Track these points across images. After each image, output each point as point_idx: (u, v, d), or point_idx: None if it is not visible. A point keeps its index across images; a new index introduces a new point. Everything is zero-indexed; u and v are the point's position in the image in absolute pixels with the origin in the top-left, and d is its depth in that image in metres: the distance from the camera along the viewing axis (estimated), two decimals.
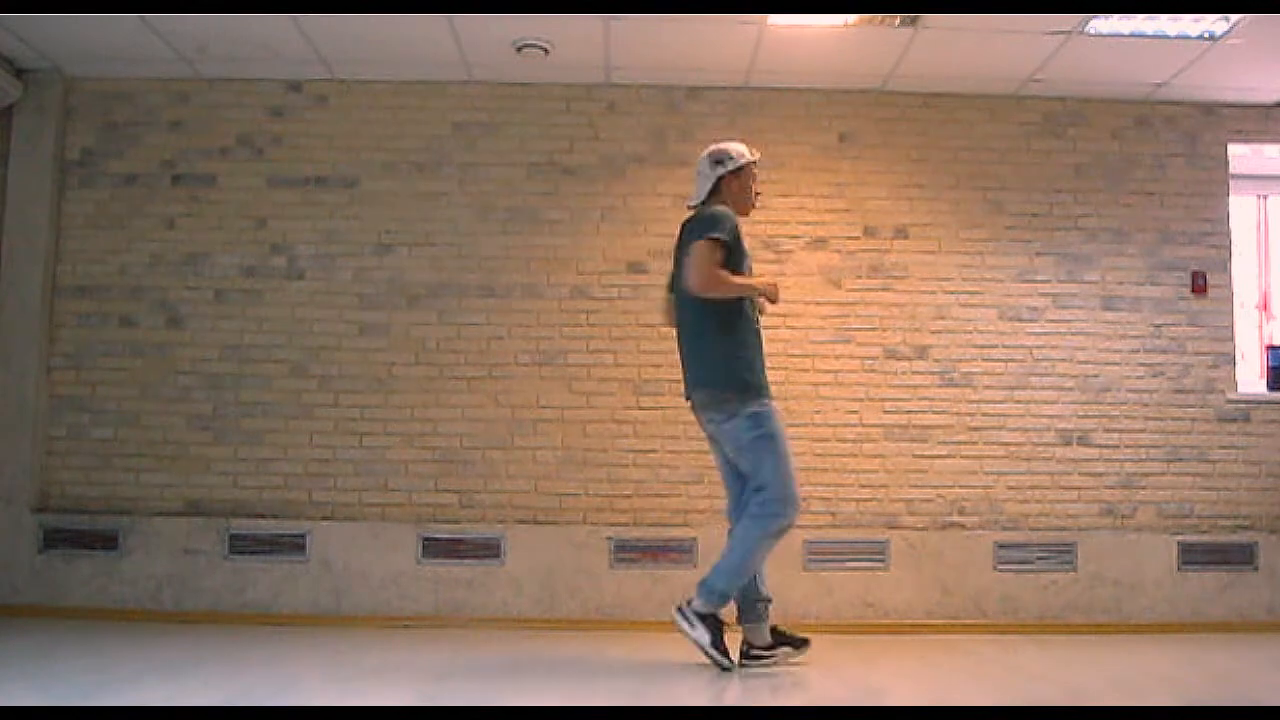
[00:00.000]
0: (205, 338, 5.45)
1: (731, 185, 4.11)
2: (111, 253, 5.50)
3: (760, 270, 5.48)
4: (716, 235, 3.91)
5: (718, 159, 4.13)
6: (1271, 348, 5.84)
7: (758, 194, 4.22)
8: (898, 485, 5.42)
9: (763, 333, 4.08)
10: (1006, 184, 5.63)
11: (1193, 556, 5.38)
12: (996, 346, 5.54)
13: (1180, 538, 5.40)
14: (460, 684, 3.69)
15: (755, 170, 4.18)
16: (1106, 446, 5.48)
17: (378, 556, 5.25)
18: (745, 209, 4.16)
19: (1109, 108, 5.68)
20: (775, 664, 4.03)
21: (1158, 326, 5.58)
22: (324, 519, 5.31)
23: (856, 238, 5.58)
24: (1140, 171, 5.67)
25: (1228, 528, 5.44)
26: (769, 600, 4.06)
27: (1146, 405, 5.52)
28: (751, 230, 5.48)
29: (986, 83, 5.52)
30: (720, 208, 4.04)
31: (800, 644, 4.10)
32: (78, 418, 5.39)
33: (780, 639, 4.09)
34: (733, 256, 3.96)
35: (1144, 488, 5.46)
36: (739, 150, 4.15)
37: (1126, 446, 5.49)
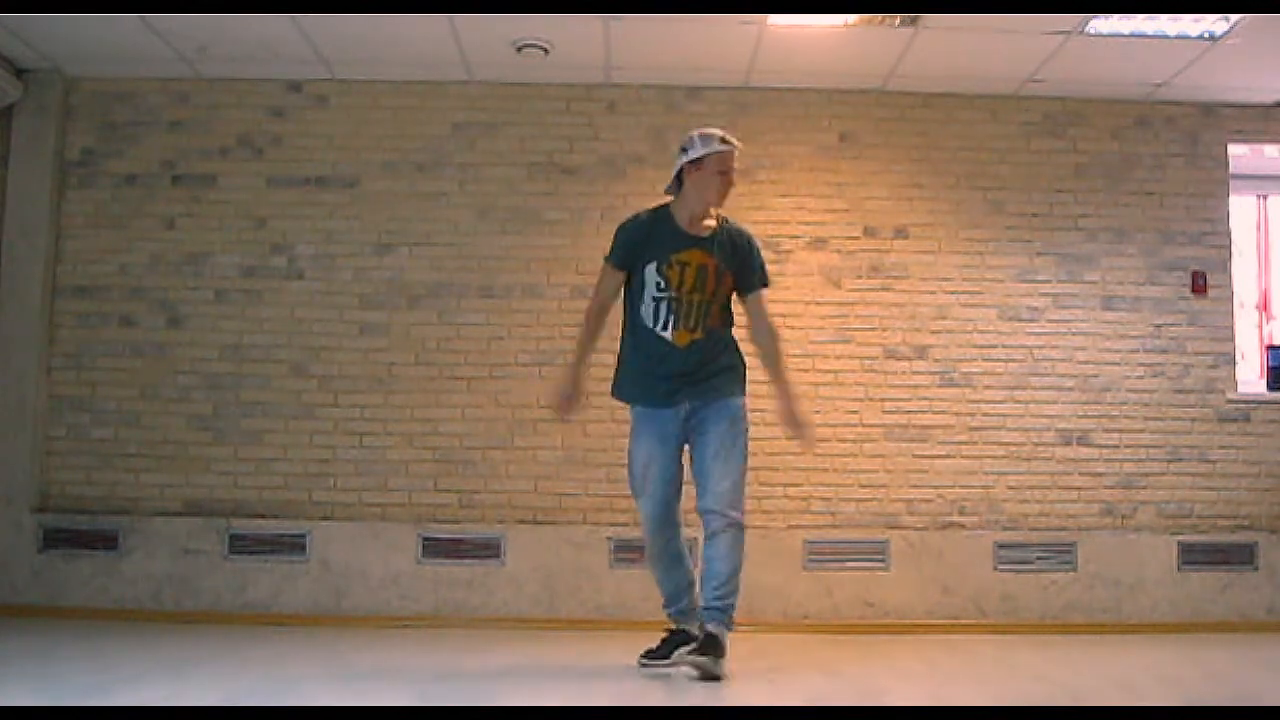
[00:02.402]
0: (205, 338, 5.45)
1: (690, 177, 3.95)
2: (111, 253, 5.50)
3: None
4: (608, 254, 4.02)
5: (683, 145, 3.99)
6: (1271, 348, 5.84)
7: (723, 195, 3.95)
8: (898, 485, 5.42)
9: (662, 339, 3.91)
10: (1006, 184, 5.63)
11: (1193, 556, 5.38)
12: (996, 346, 5.54)
13: (1180, 538, 5.40)
14: (460, 684, 3.69)
15: (727, 162, 3.92)
16: (1106, 446, 5.48)
17: (378, 556, 5.25)
18: (700, 207, 3.96)
19: (1109, 108, 5.68)
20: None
21: (1158, 326, 5.58)
22: (324, 519, 5.31)
23: (856, 238, 5.58)
24: (1140, 171, 5.67)
25: (1228, 528, 5.44)
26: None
27: (1146, 405, 5.52)
28: (752, 230, 5.48)
29: (986, 83, 5.53)
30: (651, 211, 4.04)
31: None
32: (78, 418, 5.39)
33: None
34: (626, 260, 3.98)
35: (1144, 488, 5.46)
36: (706, 137, 3.93)
37: (1126, 446, 5.49)
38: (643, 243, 3.97)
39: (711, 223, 4.01)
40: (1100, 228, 5.63)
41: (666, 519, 3.93)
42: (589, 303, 4.09)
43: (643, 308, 3.95)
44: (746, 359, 4.03)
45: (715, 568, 3.82)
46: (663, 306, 3.91)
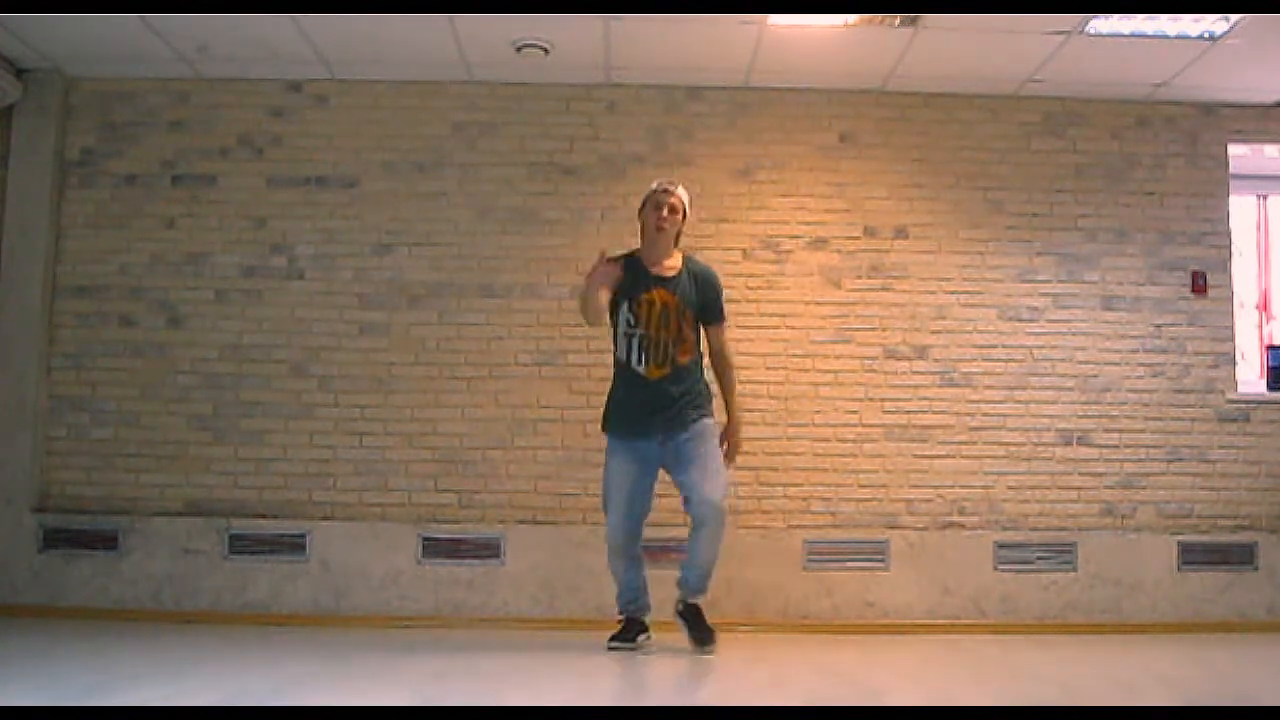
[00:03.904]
0: (205, 338, 5.45)
1: (640, 222, 4.52)
2: (111, 253, 5.50)
3: (760, 270, 5.51)
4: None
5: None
6: (1271, 348, 5.84)
7: (658, 226, 4.42)
8: (898, 485, 5.42)
9: (636, 373, 4.36)
10: (1006, 184, 5.63)
11: (1193, 556, 5.38)
12: (996, 346, 5.54)
13: (1180, 538, 5.40)
14: (460, 684, 3.69)
15: (660, 199, 4.44)
16: (1106, 446, 5.48)
17: (378, 556, 5.26)
18: (653, 248, 4.46)
19: (1109, 108, 5.67)
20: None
21: (1158, 326, 5.58)
22: (324, 519, 5.31)
23: (856, 238, 5.58)
24: (1140, 171, 5.67)
25: (1228, 528, 5.44)
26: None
27: (1146, 405, 5.52)
28: (752, 230, 5.54)
29: (986, 83, 5.52)
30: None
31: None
32: (78, 418, 5.39)
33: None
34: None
35: (1144, 488, 5.46)
36: (650, 190, 4.52)
37: (1126, 446, 5.49)
38: (621, 280, 4.40)
39: (675, 264, 4.45)
40: (1100, 228, 5.63)
41: (632, 531, 4.43)
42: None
43: (619, 344, 4.44)
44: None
45: (701, 556, 4.35)
46: (634, 342, 4.38)
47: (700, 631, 4.34)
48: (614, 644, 4.40)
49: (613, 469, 4.43)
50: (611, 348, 4.49)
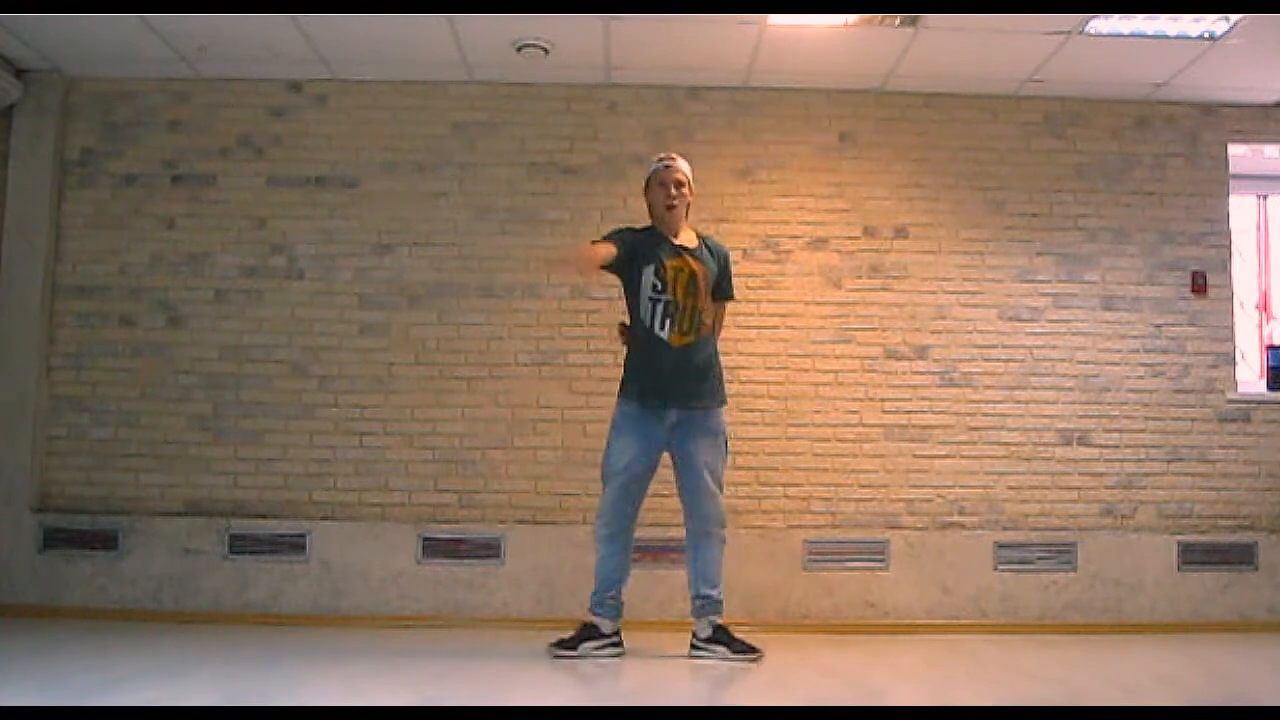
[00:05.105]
0: (205, 338, 5.45)
1: (646, 200, 4.45)
2: (111, 253, 5.50)
3: (760, 270, 5.51)
4: (608, 234, 4.37)
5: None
6: (1271, 348, 5.84)
7: (669, 205, 4.36)
8: (898, 485, 5.42)
9: (659, 339, 4.28)
10: (1006, 184, 5.63)
11: (1193, 556, 5.38)
12: (996, 346, 5.54)
13: (1180, 538, 5.40)
14: (460, 684, 3.70)
15: (664, 176, 4.37)
16: (1106, 446, 5.48)
17: (378, 556, 5.26)
18: (664, 222, 4.39)
19: (1109, 108, 5.68)
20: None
21: (1158, 326, 5.58)
22: (324, 519, 5.31)
23: (856, 238, 5.58)
24: (1140, 171, 5.67)
25: (1228, 528, 5.44)
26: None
27: (1146, 405, 5.52)
28: (752, 230, 5.54)
29: (986, 83, 5.53)
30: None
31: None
32: (78, 418, 5.39)
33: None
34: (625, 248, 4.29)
35: (1144, 488, 5.46)
36: (652, 163, 4.49)
37: (1126, 446, 5.49)
38: (640, 245, 4.32)
39: (692, 237, 4.41)
40: (1100, 228, 5.63)
41: (629, 502, 4.30)
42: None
43: (641, 308, 4.32)
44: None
45: (710, 570, 4.31)
46: (659, 308, 4.28)
47: (741, 646, 4.19)
48: (559, 652, 4.17)
49: (619, 441, 4.31)
50: (627, 317, 4.41)
